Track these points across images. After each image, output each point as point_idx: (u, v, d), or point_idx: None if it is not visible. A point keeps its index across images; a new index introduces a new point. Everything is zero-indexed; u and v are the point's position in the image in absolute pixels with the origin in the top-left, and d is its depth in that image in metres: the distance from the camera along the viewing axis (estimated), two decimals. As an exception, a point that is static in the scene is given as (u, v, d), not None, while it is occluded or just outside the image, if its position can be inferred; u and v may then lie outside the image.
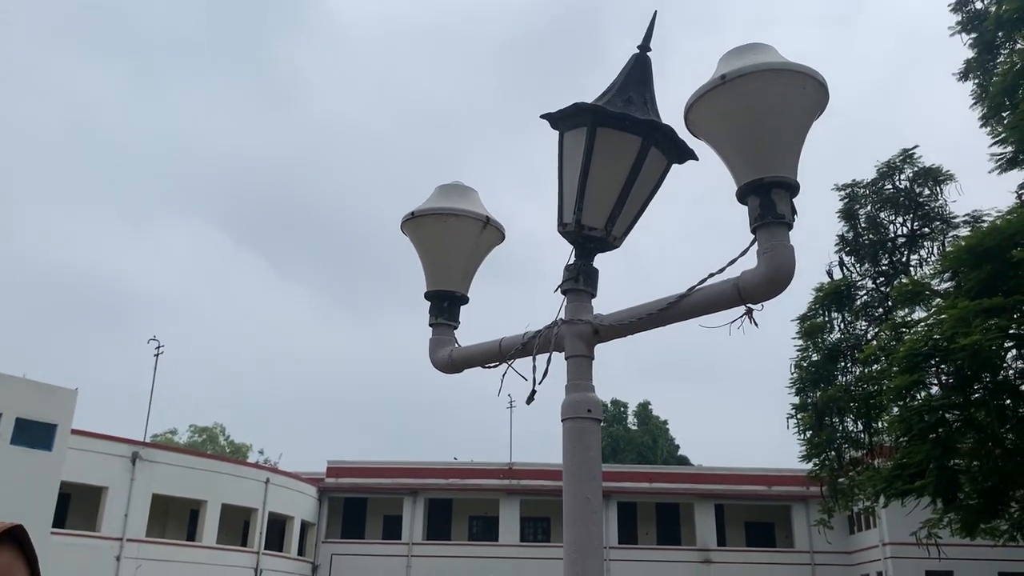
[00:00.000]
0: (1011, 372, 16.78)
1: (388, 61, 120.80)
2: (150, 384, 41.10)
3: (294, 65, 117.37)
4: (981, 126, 19.10)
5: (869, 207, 22.51)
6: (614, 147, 2.53)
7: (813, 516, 29.73)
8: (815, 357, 22.70)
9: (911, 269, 21.79)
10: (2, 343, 77.71)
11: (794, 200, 2.25)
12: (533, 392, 2.55)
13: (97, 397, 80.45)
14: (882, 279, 22.34)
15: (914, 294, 18.71)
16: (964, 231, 19.91)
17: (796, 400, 22.87)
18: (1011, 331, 14.99)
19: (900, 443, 17.35)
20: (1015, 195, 17.98)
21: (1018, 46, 18.61)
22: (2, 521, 1.13)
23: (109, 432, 31.81)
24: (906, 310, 19.68)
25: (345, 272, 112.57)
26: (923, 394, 16.85)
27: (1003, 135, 17.51)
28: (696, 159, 2.65)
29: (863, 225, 22.50)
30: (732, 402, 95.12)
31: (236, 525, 36.41)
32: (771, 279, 2.18)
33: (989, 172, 18.26)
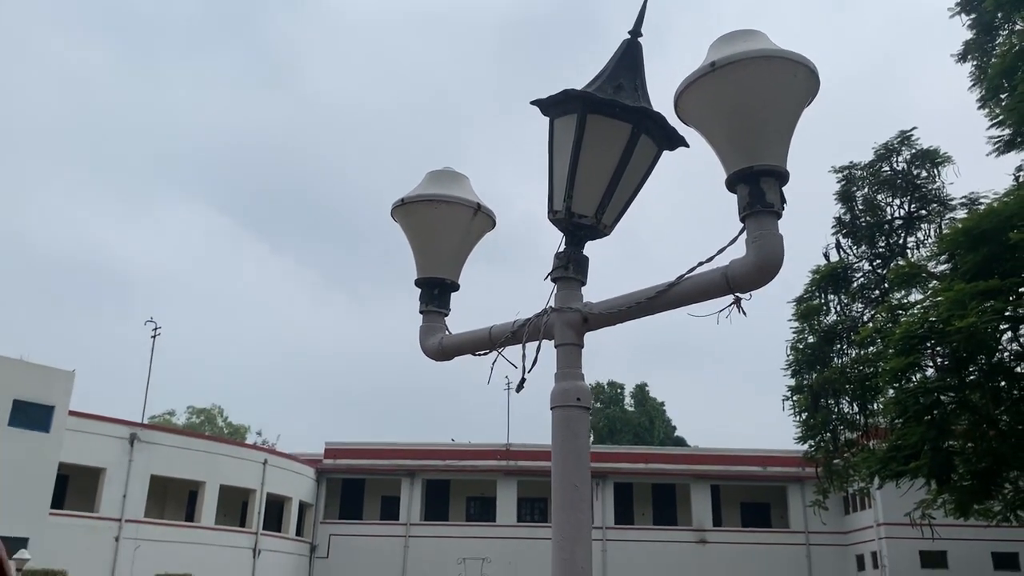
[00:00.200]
0: (1006, 354, 16.83)
1: (386, 40, 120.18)
2: (147, 365, 41.16)
3: (290, 45, 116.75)
4: (979, 108, 19.06)
5: (866, 189, 22.51)
6: (604, 134, 2.52)
7: (808, 497, 29.89)
8: (811, 339, 22.76)
9: (908, 251, 21.82)
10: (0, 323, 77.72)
11: (784, 188, 2.24)
12: (523, 380, 2.55)
13: (94, 379, 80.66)
14: (879, 261, 22.36)
15: (910, 276, 18.74)
16: (961, 213, 19.92)
17: (792, 382, 22.95)
18: (1007, 313, 15.02)
19: (895, 425, 17.43)
20: (1012, 177, 17.96)
21: (1017, 27, 18.53)
22: None
23: (107, 414, 31.88)
24: (902, 292, 19.73)
25: (343, 253, 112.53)
26: (918, 376, 16.91)
27: (1001, 117, 17.48)
28: (687, 146, 2.63)
29: (860, 207, 22.50)
30: (729, 384, 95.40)
31: (234, 506, 36.58)
32: (760, 268, 2.17)
33: (987, 155, 18.24)
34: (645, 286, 2.42)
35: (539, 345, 2.57)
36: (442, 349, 2.89)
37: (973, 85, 19.68)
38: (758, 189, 2.20)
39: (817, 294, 22.71)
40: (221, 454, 35.20)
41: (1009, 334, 16.35)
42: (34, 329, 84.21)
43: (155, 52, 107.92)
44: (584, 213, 2.54)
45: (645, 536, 39.53)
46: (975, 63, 19.80)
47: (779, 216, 2.21)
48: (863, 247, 22.63)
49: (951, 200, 21.41)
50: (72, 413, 29.18)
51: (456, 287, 3.00)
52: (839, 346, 22.40)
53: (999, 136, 17.88)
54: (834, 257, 22.63)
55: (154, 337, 41.20)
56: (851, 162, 22.73)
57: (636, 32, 2.70)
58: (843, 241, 22.71)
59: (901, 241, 22.17)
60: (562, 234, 2.61)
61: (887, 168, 22.10)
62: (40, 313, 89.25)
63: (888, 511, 32.24)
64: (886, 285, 21.02)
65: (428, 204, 2.90)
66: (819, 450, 22.68)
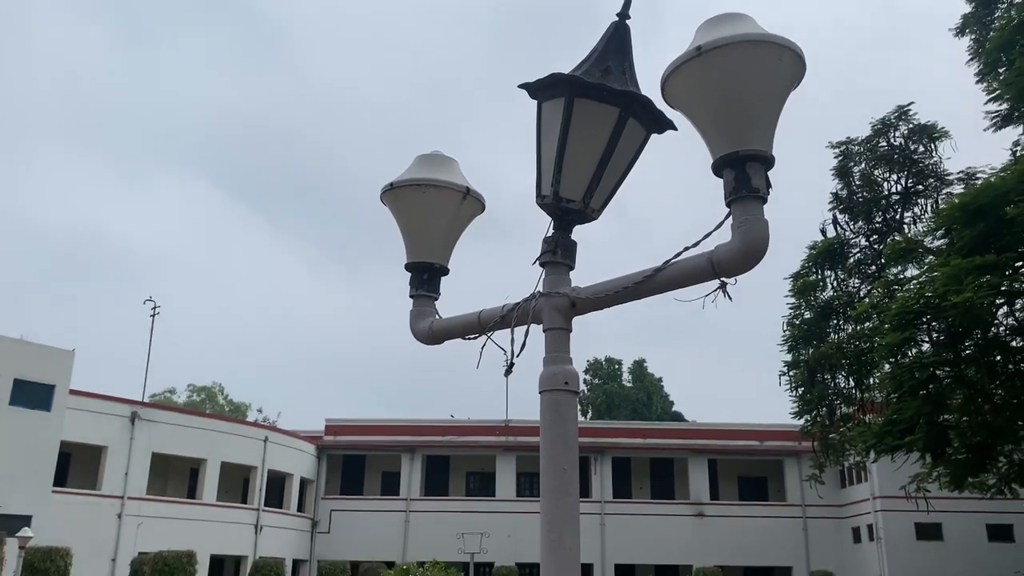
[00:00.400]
0: (1002, 328, 16.88)
1: (381, 17, 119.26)
2: (147, 344, 41.23)
3: (286, 21, 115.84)
4: (977, 82, 18.98)
5: (863, 165, 22.45)
6: (592, 118, 2.51)
7: (805, 470, 30.09)
8: (808, 315, 22.80)
9: (904, 227, 21.81)
10: (-2, 303, 77.71)
11: (769, 173, 2.25)
12: (511, 364, 2.57)
13: (94, 357, 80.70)
14: (875, 237, 22.36)
15: (907, 252, 18.75)
16: (958, 188, 19.89)
17: (788, 357, 23.02)
18: (1003, 288, 15.04)
19: (891, 399, 17.52)
20: (1010, 151, 17.92)
21: (1016, 0, 18.40)
22: None
23: (107, 392, 32.02)
24: (899, 268, 19.75)
25: (340, 229, 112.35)
26: (914, 351, 16.97)
27: (999, 91, 17.40)
28: (675, 129, 2.63)
29: (857, 183, 22.46)
30: (726, 359, 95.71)
31: (236, 482, 36.81)
32: (745, 253, 2.18)
33: (985, 129, 18.19)
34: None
35: (527, 330, 2.58)
36: (432, 333, 2.90)
37: (971, 59, 19.59)
38: (744, 174, 2.20)
39: (814, 270, 22.72)
40: (222, 431, 35.37)
41: (1005, 309, 16.39)
42: (33, 308, 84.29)
43: (148, 26, 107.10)
44: (572, 198, 2.54)
45: (643, 510, 39.85)
46: (973, 36, 19.70)
47: (764, 201, 2.21)
48: (860, 223, 22.62)
49: (948, 175, 21.38)
50: (73, 392, 29.30)
51: (446, 271, 3.01)
52: (835, 321, 22.46)
53: (997, 111, 17.82)
54: (831, 233, 22.62)
55: (153, 316, 41.30)
56: (848, 137, 22.67)
57: (624, 15, 2.68)
58: (840, 217, 22.69)
59: (898, 216, 22.16)
60: (550, 219, 2.61)
61: (884, 143, 22.04)
62: (39, 292, 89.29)
63: (884, 484, 32.48)
64: (883, 260, 21.04)
65: (417, 188, 2.91)
66: (815, 424, 22.79)
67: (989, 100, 17.92)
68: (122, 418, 31.46)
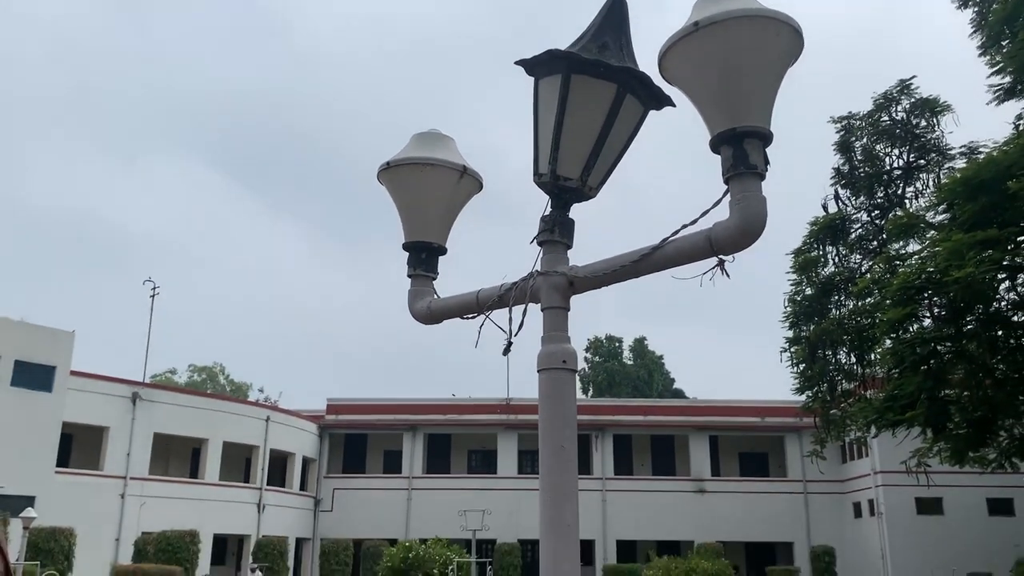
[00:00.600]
0: (1004, 303, 16.88)
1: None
2: (147, 325, 41.30)
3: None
4: (980, 55, 18.85)
5: (865, 139, 22.36)
6: (589, 95, 2.49)
7: (806, 446, 30.22)
8: (809, 291, 22.81)
9: (906, 202, 21.76)
10: (-1, 285, 77.78)
11: (767, 149, 2.22)
12: (509, 343, 2.56)
13: (95, 339, 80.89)
14: (877, 212, 22.32)
15: (909, 227, 18.72)
16: (960, 163, 19.83)
17: (790, 334, 23.05)
18: (1005, 263, 15.03)
19: (892, 375, 17.56)
20: (1012, 126, 17.83)
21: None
22: None
23: (109, 373, 32.10)
24: (900, 243, 19.72)
25: (340, 208, 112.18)
26: (915, 327, 16.98)
27: (1001, 65, 17.29)
28: (673, 105, 2.60)
29: (859, 158, 22.39)
30: (727, 335, 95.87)
31: (238, 462, 37.00)
32: (743, 230, 2.16)
33: (987, 103, 18.08)
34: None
35: (525, 308, 2.57)
36: (430, 313, 2.89)
37: (974, 32, 19.44)
38: (741, 150, 2.18)
39: (815, 246, 22.70)
40: (223, 411, 35.51)
41: (1007, 283, 16.39)
42: (33, 290, 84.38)
43: (146, 5, 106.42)
44: (569, 176, 2.52)
45: (644, 486, 40.08)
46: (976, 9, 19.53)
47: (762, 177, 2.19)
48: (862, 198, 22.57)
49: (950, 149, 21.31)
50: (74, 373, 29.41)
51: (444, 251, 2.99)
52: (837, 297, 22.47)
53: (999, 84, 17.72)
54: (832, 208, 22.58)
55: (153, 296, 41.32)
56: (850, 112, 22.57)
57: (621, -10, 2.65)
58: (842, 192, 22.65)
59: (900, 191, 22.11)
60: (548, 197, 2.59)
61: (886, 118, 21.95)
62: (38, 274, 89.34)
63: (885, 459, 32.62)
64: (884, 236, 21.01)
65: (414, 167, 2.88)
66: (816, 400, 22.87)
67: (992, 73, 17.81)
68: (123, 399, 31.57)
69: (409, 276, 2.96)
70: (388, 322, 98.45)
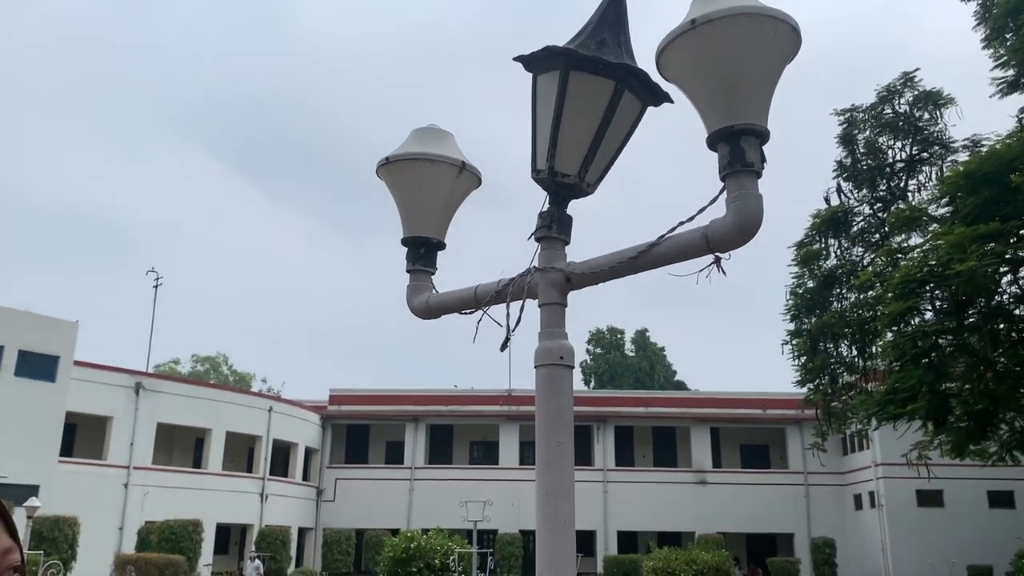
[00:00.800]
0: (1006, 297, 16.87)
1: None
2: (151, 315, 41.38)
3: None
4: (983, 48, 18.78)
5: (868, 132, 22.31)
6: (587, 91, 2.49)
7: (807, 438, 30.26)
8: (811, 284, 22.79)
9: (909, 195, 21.72)
10: (1, 276, 77.93)
11: (764, 147, 2.23)
12: (507, 339, 2.58)
13: (98, 329, 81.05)
14: (879, 205, 22.28)
15: (911, 220, 18.70)
16: (963, 156, 19.78)
17: (791, 326, 23.05)
18: (1007, 256, 15.02)
19: (893, 368, 17.57)
20: (1015, 119, 17.78)
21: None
22: None
23: (112, 363, 32.18)
24: (902, 236, 19.70)
25: (343, 198, 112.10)
26: (917, 320, 16.98)
27: (1005, 58, 17.23)
28: (671, 102, 2.61)
29: (862, 150, 22.34)
30: (729, 326, 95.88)
31: (241, 452, 37.13)
32: (739, 228, 2.17)
33: (990, 96, 18.03)
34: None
35: (523, 304, 2.58)
36: (429, 308, 2.91)
37: (977, 24, 19.36)
38: (738, 148, 2.18)
39: (817, 238, 22.68)
40: (227, 402, 35.62)
41: (1009, 277, 16.38)
42: (36, 280, 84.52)
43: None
44: (567, 172, 2.53)
45: (646, 478, 40.16)
46: (979, 2, 19.46)
47: (759, 175, 2.20)
48: (864, 191, 22.53)
49: (953, 142, 21.25)
50: (78, 363, 29.50)
51: (442, 246, 3.00)
52: (838, 290, 22.46)
53: (1003, 77, 17.66)
54: (835, 201, 22.54)
55: (156, 287, 41.41)
56: (853, 104, 22.50)
57: (621, -14, 2.65)
58: (844, 185, 22.60)
59: (902, 184, 22.07)
60: (545, 193, 2.60)
61: (889, 110, 21.88)
62: (42, 264, 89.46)
63: (886, 451, 32.66)
64: (886, 229, 20.98)
65: (413, 163, 2.89)
66: (817, 393, 22.88)
67: (995, 67, 17.76)
68: (127, 388, 31.67)
69: (408, 271, 2.97)
70: (391, 313, 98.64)
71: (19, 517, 23.68)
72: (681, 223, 2.30)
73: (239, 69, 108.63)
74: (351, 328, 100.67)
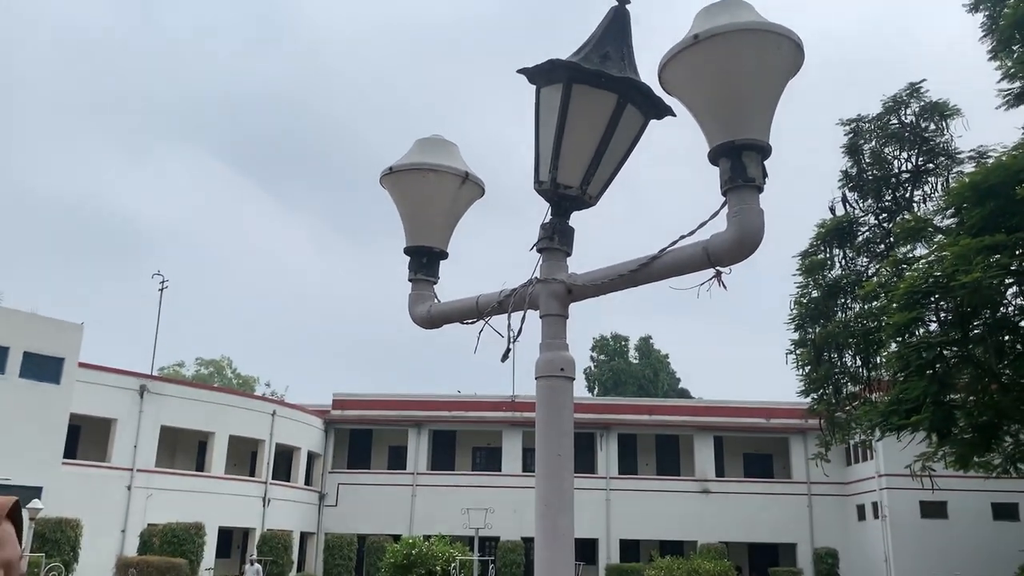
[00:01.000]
0: (1011, 308, 16.84)
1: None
2: (156, 318, 41.43)
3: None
4: (989, 59, 18.78)
5: (874, 142, 22.29)
6: (590, 104, 2.51)
7: (811, 448, 30.19)
8: (815, 294, 22.76)
9: (914, 205, 21.68)
10: (7, 278, 78.15)
11: (765, 162, 2.24)
12: (508, 350, 2.58)
13: (103, 331, 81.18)
14: (885, 215, 22.25)
15: (916, 231, 18.68)
16: (969, 167, 19.75)
17: (796, 336, 23.01)
18: (1012, 268, 14.99)
19: (897, 378, 17.52)
20: (1022, 131, 17.76)
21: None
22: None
23: (117, 366, 32.26)
24: (908, 247, 19.67)
25: (348, 203, 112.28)
26: (922, 331, 16.95)
27: (1012, 70, 17.23)
28: (674, 115, 2.62)
29: (867, 161, 22.33)
30: (734, 336, 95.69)
31: (244, 456, 37.14)
32: (740, 243, 2.18)
33: (996, 108, 18.02)
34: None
35: (524, 315, 2.60)
36: (430, 317, 2.92)
37: (984, 36, 19.37)
38: (740, 163, 2.19)
39: (822, 248, 22.65)
40: (230, 405, 35.62)
41: (1014, 288, 16.35)
42: (42, 282, 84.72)
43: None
44: (569, 184, 2.54)
45: (648, 486, 40.04)
46: (986, 13, 19.45)
47: (760, 190, 2.21)
48: (869, 201, 22.51)
49: (959, 153, 21.21)
50: (82, 365, 29.54)
51: (445, 255, 3.01)
52: (843, 300, 22.42)
53: (1009, 89, 17.65)
54: (840, 211, 22.52)
55: (161, 290, 41.48)
56: (859, 115, 22.50)
57: (624, 0, 2.67)
58: (849, 195, 22.58)
59: (908, 195, 22.04)
60: (548, 204, 2.61)
61: (895, 121, 21.87)
62: (47, 266, 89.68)
63: (889, 462, 32.55)
64: (891, 239, 20.96)
65: (416, 173, 2.91)
66: (821, 403, 22.83)
67: (1002, 79, 17.75)
68: (131, 391, 31.71)
69: (410, 280, 2.99)
70: (395, 318, 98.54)
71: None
72: (682, 237, 2.31)
73: (248, 71, 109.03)
74: (355, 332, 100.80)
